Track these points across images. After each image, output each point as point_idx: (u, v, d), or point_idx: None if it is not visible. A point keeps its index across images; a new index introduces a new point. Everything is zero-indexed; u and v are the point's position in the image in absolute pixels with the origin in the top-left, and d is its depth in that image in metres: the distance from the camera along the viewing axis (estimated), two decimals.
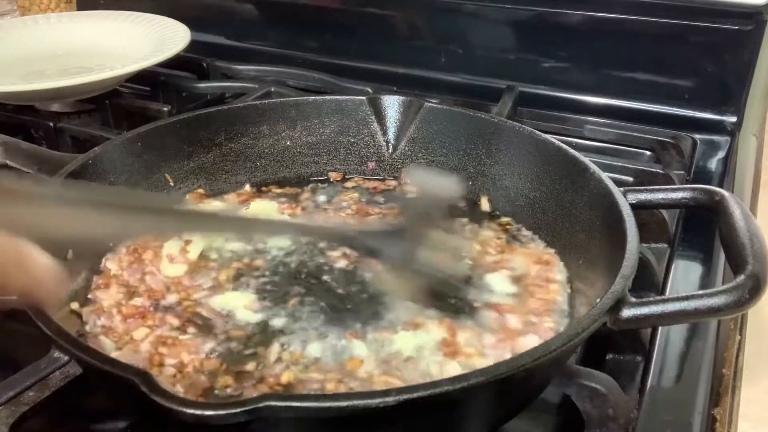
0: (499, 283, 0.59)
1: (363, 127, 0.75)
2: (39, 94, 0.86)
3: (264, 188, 0.74)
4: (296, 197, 0.72)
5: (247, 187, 0.73)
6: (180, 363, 0.50)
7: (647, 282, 0.61)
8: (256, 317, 0.55)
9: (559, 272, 0.60)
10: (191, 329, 0.54)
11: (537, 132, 0.67)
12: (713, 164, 0.84)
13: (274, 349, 0.52)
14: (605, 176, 0.58)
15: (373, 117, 0.75)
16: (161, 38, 0.99)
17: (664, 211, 0.69)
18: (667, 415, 0.48)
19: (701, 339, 0.55)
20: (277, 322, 0.55)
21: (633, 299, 0.45)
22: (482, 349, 0.52)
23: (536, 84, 0.97)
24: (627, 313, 0.44)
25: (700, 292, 0.45)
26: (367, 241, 0.55)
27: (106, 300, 0.57)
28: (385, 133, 0.75)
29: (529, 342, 0.52)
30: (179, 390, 0.48)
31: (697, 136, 0.88)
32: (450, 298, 0.57)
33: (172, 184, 0.69)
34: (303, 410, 0.36)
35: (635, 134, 0.90)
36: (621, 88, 0.94)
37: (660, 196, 0.56)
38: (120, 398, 0.45)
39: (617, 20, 0.92)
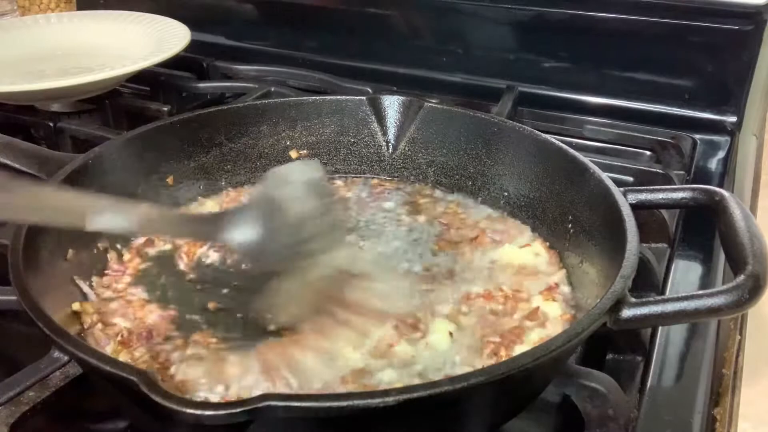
0: None
1: (363, 127, 0.75)
2: (39, 94, 0.86)
3: None
4: None
5: None
6: None
7: (647, 282, 0.61)
8: None
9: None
10: None
11: (537, 132, 0.67)
12: (713, 164, 0.84)
13: None
14: (605, 176, 0.58)
15: (373, 117, 0.75)
16: (161, 38, 0.99)
17: (664, 211, 0.69)
18: (667, 415, 0.48)
19: (701, 339, 0.55)
20: None
21: (633, 299, 0.45)
22: None
23: (536, 84, 0.97)
24: (627, 313, 0.44)
25: (700, 292, 0.45)
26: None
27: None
28: (385, 133, 0.75)
29: None
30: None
31: (697, 136, 0.88)
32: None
33: (171, 184, 0.69)
34: (303, 410, 0.36)
35: (635, 134, 0.90)
36: (621, 88, 0.94)
37: (660, 196, 0.56)
38: (120, 398, 0.45)
39: (617, 20, 0.92)
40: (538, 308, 0.56)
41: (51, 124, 0.88)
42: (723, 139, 0.89)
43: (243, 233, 0.52)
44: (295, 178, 0.54)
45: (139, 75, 0.93)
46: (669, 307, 0.44)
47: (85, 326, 0.54)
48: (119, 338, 0.53)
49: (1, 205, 0.45)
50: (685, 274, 0.64)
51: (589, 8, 0.93)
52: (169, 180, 0.69)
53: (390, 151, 0.75)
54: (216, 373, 0.50)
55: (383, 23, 1.06)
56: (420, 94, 0.85)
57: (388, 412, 0.37)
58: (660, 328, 0.56)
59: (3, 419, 0.46)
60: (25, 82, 0.85)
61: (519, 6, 0.96)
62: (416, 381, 0.49)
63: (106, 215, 0.48)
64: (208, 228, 0.55)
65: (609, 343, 0.57)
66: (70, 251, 0.57)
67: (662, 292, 0.61)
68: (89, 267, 0.60)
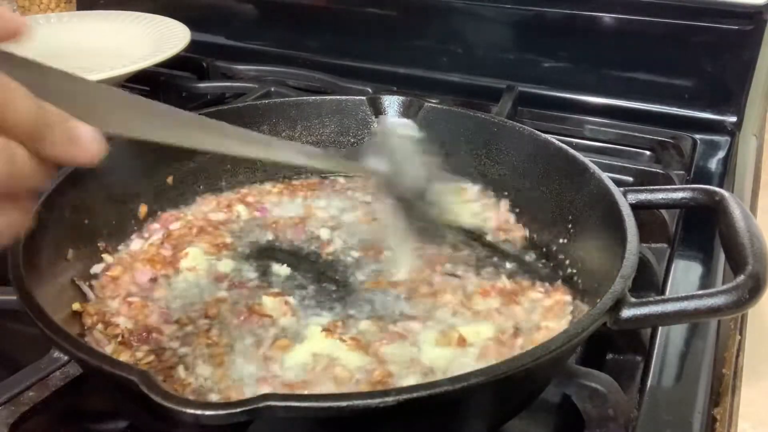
0: None
1: (363, 127, 0.75)
2: None
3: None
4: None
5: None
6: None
7: (647, 282, 0.61)
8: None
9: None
10: None
11: (537, 132, 0.67)
12: (713, 164, 0.84)
13: None
14: (605, 176, 0.58)
15: (373, 117, 0.75)
16: (161, 38, 0.99)
17: (664, 211, 0.69)
18: (667, 415, 0.48)
19: (701, 339, 0.55)
20: None
21: (633, 299, 0.45)
22: None
23: (536, 84, 0.97)
24: (627, 313, 0.44)
25: (700, 292, 0.45)
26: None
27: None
28: None
29: None
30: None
31: (697, 136, 0.88)
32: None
33: (171, 184, 0.69)
34: (303, 410, 0.36)
35: (635, 134, 0.90)
36: (621, 88, 0.94)
37: (660, 196, 0.56)
38: (120, 398, 0.45)
39: (617, 20, 0.92)
40: None
41: None
42: (723, 139, 0.89)
43: (381, 163, 0.58)
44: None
45: (139, 75, 0.93)
46: (669, 307, 0.44)
47: (86, 327, 0.54)
48: (120, 339, 0.53)
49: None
50: (685, 274, 0.64)
51: (589, 8, 0.93)
52: (169, 180, 0.69)
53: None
54: (218, 372, 0.50)
55: (383, 23, 1.06)
56: (420, 94, 0.85)
57: (388, 412, 0.37)
58: (660, 328, 0.56)
59: (3, 419, 0.46)
60: None
61: (519, 6, 0.97)
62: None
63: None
64: (349, 161, 0.62)
65: (609, 343, 0.57)
66: (71, 251, 0.57)
67: (662, 292, 0.61)
68: (89, 267, 0.60)
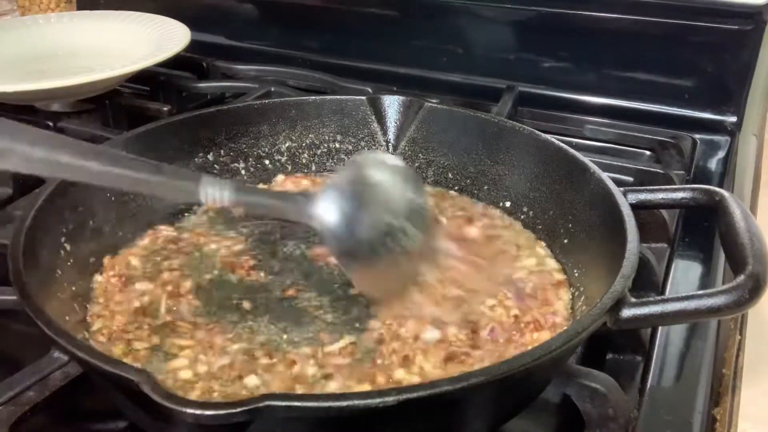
0: None
1: (363, 127, 0.75)
2: (39, 94, 0.86)
3: None
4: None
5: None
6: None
7: (647, 282, 0.61)
8: None
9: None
10: None
11: (537, 132, 0.67)
12: (713, 164, 0.84)
13: None
14: (605, 176, 0.58)
15: (373, 117, 0.75)
16: (161, 38, 0.99)
17: (664, 211, 0.69)
18: (667, 415, 0.48)
19: (701, 339, 0.55)
20: None
21: (633, 299, 0.45)
22: None
23: (536, 84, 0.97)
24: (627, 313, 0.44)
25: (700, 292, 0.45)
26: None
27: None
28: (385, 133, 0.75)
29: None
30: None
31: (697, 136, 0.88)
32: None
33: None
34: (303, 410, 0.36)
35: (635, 134, 0.90)
36: (621, 88, 0.94)
37: (660, 196, 0.56)
38: (120, 398, 0.45)
39: (617, 20, 0.92)
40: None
41: (51, 124, 0.88)
42: (723, 139, 0.89)
43: (331, 215, 0.52)
44: (393, 164, 0.57)
45: (139, 75, 0.93)
46: (669, 307, 0.44)
47: (87, 327, 0.54)
48: (121, 339, 0.53)
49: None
50: (685, 274, 0.64)
51: (589, 8, 0.93)
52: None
53: (390, 151, 0.75)
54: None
55: (383, 23, 1.06)
56: (420, 94, 0.85)
57: (388, 412, 0.37)
58: (660, 328, 0.56)
59: (3, 419, 0.46)
60: (25, 82, 0.85)
61: (519, 6, 0.97)
62: None
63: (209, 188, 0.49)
64: (296, 207, 0.53)
65: (609, 343, 0.57)
66: (68, 245, 0.57)
67: (662, 292, 0.61)
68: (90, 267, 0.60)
